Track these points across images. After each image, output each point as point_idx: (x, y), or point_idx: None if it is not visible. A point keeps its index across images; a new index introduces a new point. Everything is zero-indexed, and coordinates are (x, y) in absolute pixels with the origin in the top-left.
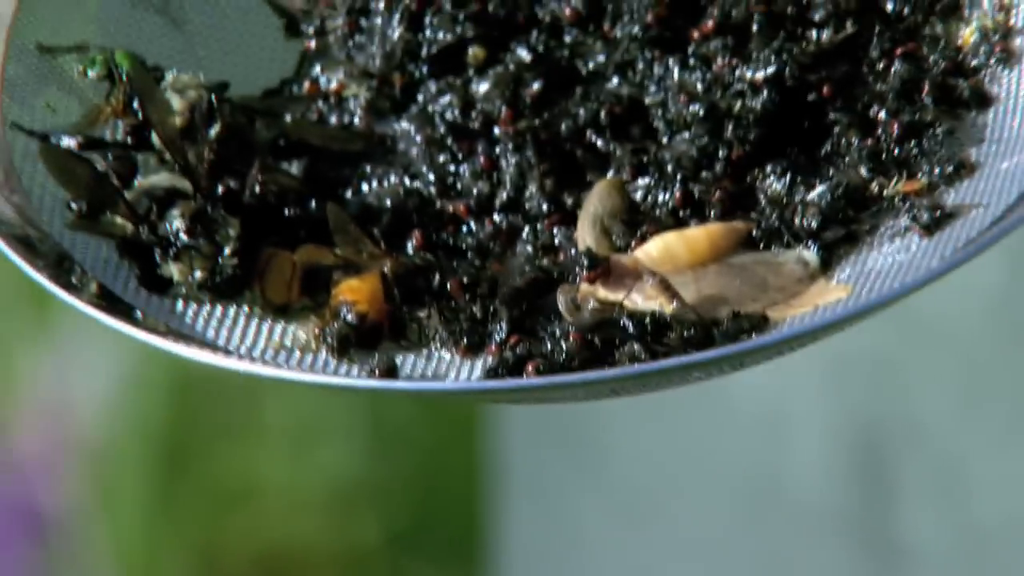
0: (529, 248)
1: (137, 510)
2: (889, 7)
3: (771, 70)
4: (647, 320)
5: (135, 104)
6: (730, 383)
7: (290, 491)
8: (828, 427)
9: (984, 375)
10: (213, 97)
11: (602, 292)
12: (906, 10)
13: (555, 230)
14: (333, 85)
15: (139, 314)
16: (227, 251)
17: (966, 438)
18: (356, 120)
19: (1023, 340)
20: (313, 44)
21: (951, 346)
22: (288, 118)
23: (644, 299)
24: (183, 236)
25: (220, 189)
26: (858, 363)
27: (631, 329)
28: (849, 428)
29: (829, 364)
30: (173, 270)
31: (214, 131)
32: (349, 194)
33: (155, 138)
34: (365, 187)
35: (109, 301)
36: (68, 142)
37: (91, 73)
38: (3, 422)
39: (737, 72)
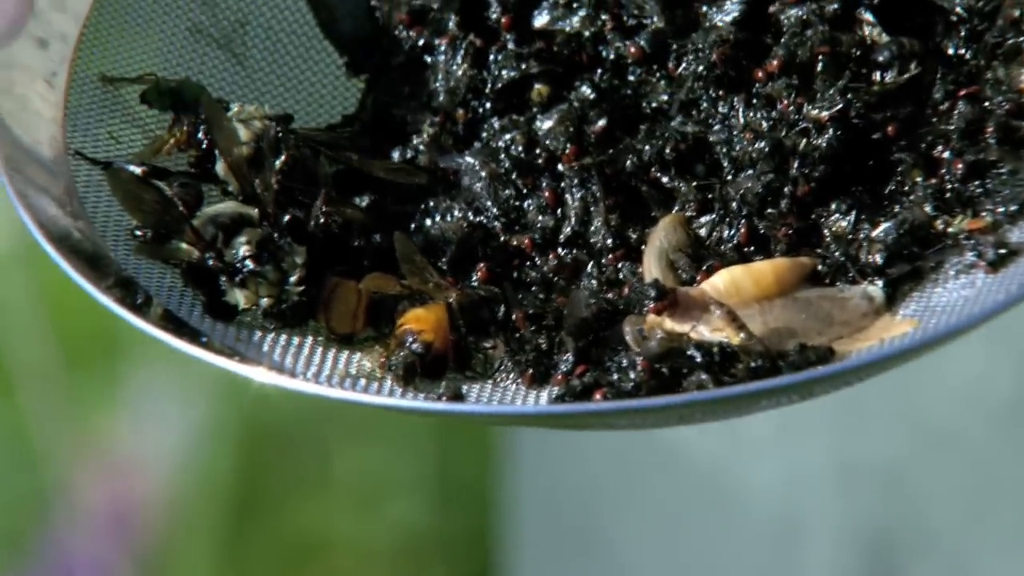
0: (594, 283)
1: (206, 564)
2: (951, 51)
3: (836, 108)
4: (715, 351)
5: (199, 135)
6: (741, 487)
7: (359, 544)
8: (839, 533)
9: (993, 482)
10: (278, 127)
11: (669, 323)
12: (968, 54)
13: (620, 265)
14: (395, 121)
15: (205, 338)
16: (293, 279)
17: (976, 544)
18: (419, 156)
19: None
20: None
21: (960, 453)
22: (352, 152)
23: (711, 331)
24: (249, 263)
25: (286, 217)
26: (868, 469)
27: (699, 359)
28: (860, 534)
29: (840, 470)
30: (239, 297)
31: (279, 161)
32: (413, 228)
33: (219, 169)
34: (428, 221)
35: (175, 325)
36: (128, 169)
37: (156, 103)
38: (75, 477)
39: (803, 110)
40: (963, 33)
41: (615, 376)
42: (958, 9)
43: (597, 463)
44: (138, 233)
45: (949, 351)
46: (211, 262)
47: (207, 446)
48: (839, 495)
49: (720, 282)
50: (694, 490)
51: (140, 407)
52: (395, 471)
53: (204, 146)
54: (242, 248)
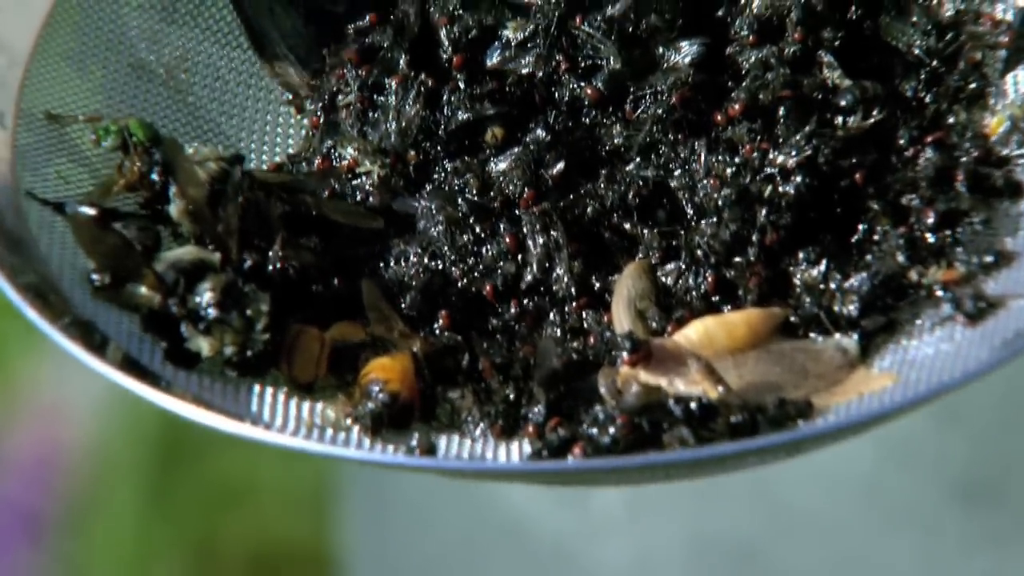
0: (557, 331)
1: (132, 510)
2: (910, 94)
3: (804, 155)
4: (693, 405)
5: (153, 175)
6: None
7: (284, 490)
8: None
9: (848, 561)
10: (238, 169)
11: (644, 376)
12: (928, 98)
13: (584, 313)
14: (346, 161)
15: (166, 383)
16: (260, 326)
17: None
18: (370, 198)
19: (890, 526)
20: (321, 119)
21: (816, 532)
22: (306, 195)
23: (687, 384)
24: (213, 310)
25: (248, 263)
26: (721, 547)
27: (678, 413)
28: None
29: (692, 547)
30: (203, 345)
31: (238, 204)
32: (368, 272)
33: (172, 210)
34: (382, 265)
35: (135, 369)
36: (85, 212)
37: (105, 143)
38: (0, 425)
39: (768, 156)
40: (923, 76)
41: (591, 430)
42: (916, 51)
43: (438, 535)
44: (95, 277)
45: None
46: (174, 309)
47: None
48: (692, 573)
49: (693, 333)
50: (540, 567)
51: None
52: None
53: (157, 187)
54: (206, 295)
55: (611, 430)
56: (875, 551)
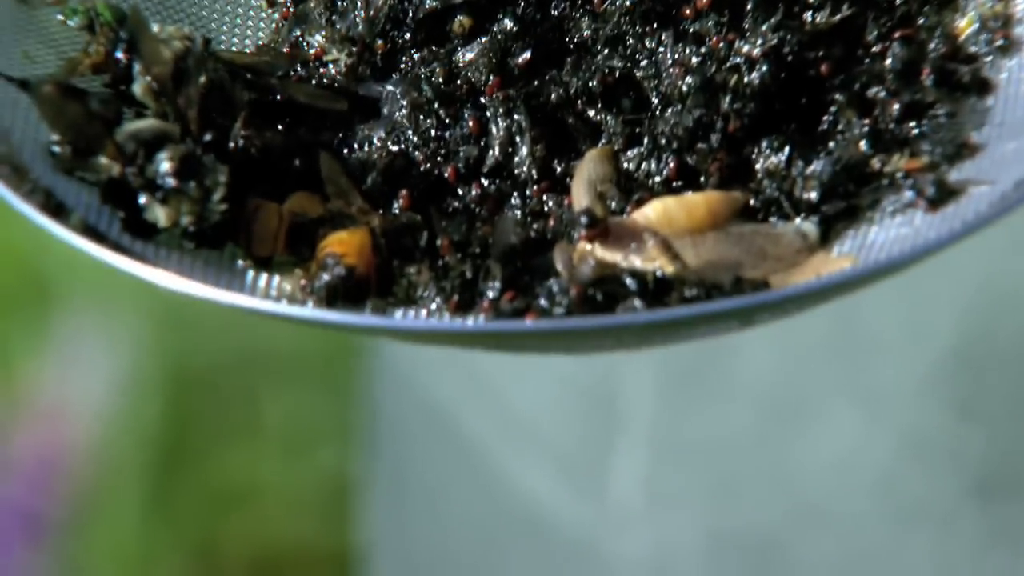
0: (518, 213)
1: (134, 511)
2: None
3: (769, 44)
4: (649, 278)
5: (118, 54)
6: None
7: (287, 491)
8: None
9: (867, 556)
10: (200, 42)
11: (600, 252)
12: None
13: (544, 197)
14: (314, 50)
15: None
16: (216, 196)
17: None
18: (336, 85)
19: (909, 522)
20: (292, 9)
21: (834, 526)
22: (271, 77)
23: (643, 260)
24: (171, 179)
25: (208, 136)
26: (741, 541)
27: (633, 286)
28: None
29: (711, 541)
30: (160, 214)
31: (200, 80)
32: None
33: (136, 89)
34: (347, 150)
35: (95, 236)
36: (49, 85)
37: (72, 23)
38: (1, 424)
39: (734, 47)
40: None
41: (545, 302)
42: None
43: (456, 529)
44: (56, 149)
45: (824, 421)
46: (132, 178)
47: (134, 393)
48: (711, 567)
49: (652, 212)
50: (558, 561)
51: (67, 354)
52: (322, 418)
53: (121, 66)
54: (164, 164)
55: (564, 302)
56: (892, 545)
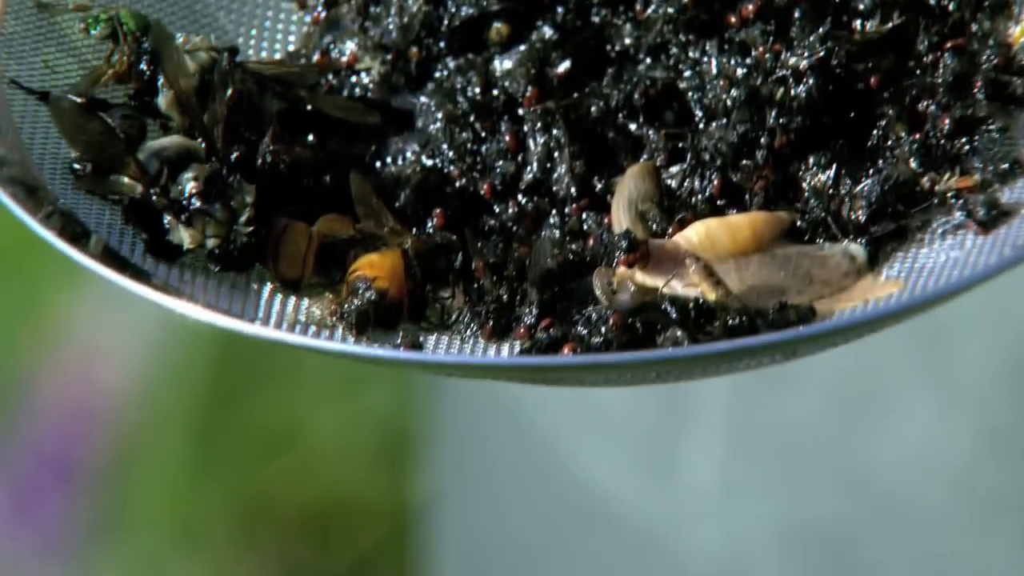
0: (556, 232)
1: (178, 458)
2: (934, 1)
3: (817, 56)
4: (690, 306)
5: (141, 66)
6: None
7: (332, 435)
8: None
9: (945, 549)
10: (226, 58)
11: (640, 277)
12: (952, 5)
13: (584, 215)
14: (345, 58)
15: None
16: (243, 218)
17: None
18: (368, 95)
19: (988, 517)
20: (323, 14)
21: (912, 518)
22: (301, 89)
23: (685, 285)
24: (196, 200)
25: (235, 154)
26: (816, 533)
27: (674, 314)
28: None
29: (786, 534)
30: (184, 236)
31: (227, 95)
32: (363, 170)
33: (161, 102)
34: (379, 164)
35: (117, 261)
36: (68, 99)
37: (94, 32)
38: (36, 368)
39: (780, 58)
40: None
41: (583, 330)
42: None
43: (525, 522)
44: (77, 167)
45: (901, 412)
46: (155, 198)
47: (178, 336)
48: (785, 559)
49: (694, 235)
50: (630, 554)
51: (105, 295)
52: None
53: (146, 77)
54: (189, 184)
55: (603, 330)
56: (969, 540)
